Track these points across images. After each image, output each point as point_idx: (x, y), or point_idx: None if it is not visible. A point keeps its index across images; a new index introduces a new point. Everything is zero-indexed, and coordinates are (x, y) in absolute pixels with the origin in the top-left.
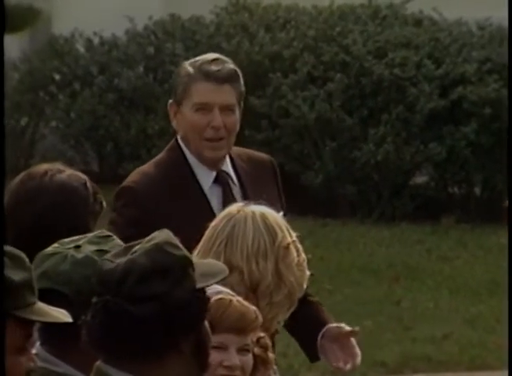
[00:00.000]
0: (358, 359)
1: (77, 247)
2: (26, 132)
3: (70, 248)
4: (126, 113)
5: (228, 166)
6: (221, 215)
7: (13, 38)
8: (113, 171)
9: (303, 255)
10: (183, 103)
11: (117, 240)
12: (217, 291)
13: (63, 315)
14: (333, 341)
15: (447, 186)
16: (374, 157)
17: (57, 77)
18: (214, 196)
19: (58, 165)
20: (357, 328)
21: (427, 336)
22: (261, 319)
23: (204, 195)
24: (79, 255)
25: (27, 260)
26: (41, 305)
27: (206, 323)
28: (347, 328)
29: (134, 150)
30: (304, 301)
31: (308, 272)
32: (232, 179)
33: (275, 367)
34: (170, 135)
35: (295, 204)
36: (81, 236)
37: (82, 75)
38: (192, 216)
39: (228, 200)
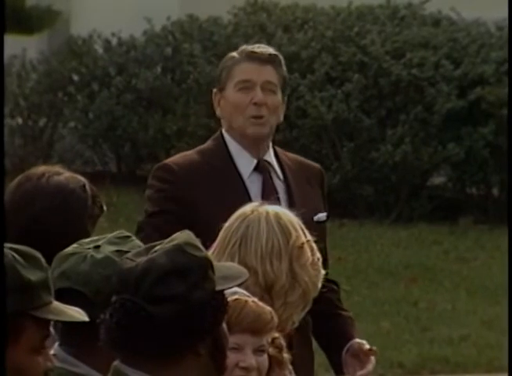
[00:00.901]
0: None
1: (97, 247)
2: (44, 133)
3: (89, 248)
4: (144, 114)
5: (271, 157)
6: (235, 215)
7: (32, 39)
8: (131, 172)
9: (317, 255)
10: (226, 85)
11: (137, 241)
12: (232, 292)
13: (79, 314)
14: (355, 356)
15: (465, 187)
16: (392, 157)
17: (75, 77)
18: (254, 184)
19: (57, 167)
20: (374, 348)
21: (445, 337)
22: (276, 320)
23: (243, 182)
24: (98, 256)
25: (43, 260)
26: (57, 304)
27: (224, 325)
28: (367, 346)
29: (152, 151)
30: (337, 314)
31: (322, 272)
32: (274, 170)
33: (290, 367)
34: (188, 135)
35: None
36: (100, 236)
37: (100, 76)
38: (229, 202)
39: (268, 188)
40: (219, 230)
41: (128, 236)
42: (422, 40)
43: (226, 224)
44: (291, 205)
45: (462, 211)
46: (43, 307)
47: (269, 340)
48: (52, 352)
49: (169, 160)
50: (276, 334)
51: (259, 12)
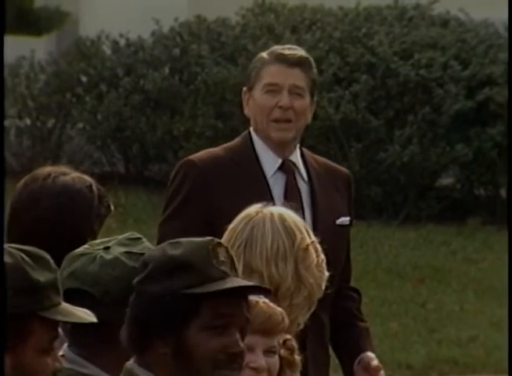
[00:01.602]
0: None
1: (107, 248)
2: (52, 134)
3: (99, 249)
4: (152, 115)
5: (297, 158)
6: (239, 217)
7: (40, 40)
8: (139, 173)
9: (322, 256)
10: (255, 86)
11: (147, 243)
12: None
13: (87, 315)
14: (366, 369)
15: (473, 188)
16: (400, 158)
17: (84, 78)
18: (277, 183)
19: (63, 168)
20: (379, 366)
21: (453, 338)
22: (287, 321)
23: (266, 181)
24: (108, 256)
25: (51, 261)
26: (65, 305)
27: (201, 332)
28: (375, 363)
29: (160, 152)
30: (353, 324)
31: (326, 273)
32: (299, 171)
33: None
34: (196, 136)
35: None
36: (111, 237)
37: (108, 77)
38: (251, 201)
39: (291, 188)
40: None
41: (139, 238)
42: (430, 41)
43: (231, 225)
44: (314, 207)
45: (470, 212)
46: (52, 308)
47: (281, 341)
48: (60, 353)
49: (194, 156)
50: (288, 336)
51: (267, 13)
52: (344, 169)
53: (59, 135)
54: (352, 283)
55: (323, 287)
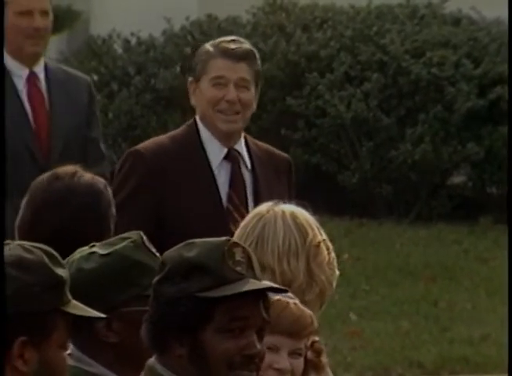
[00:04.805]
0: None
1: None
2: None
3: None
4: (163, 113)
5: (241, 146)
6: (250, 215)
7: (51, 39)
8: None
9: (333, 254)
10: (201, 79)
11: (127, 244)
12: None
13: (95, 311)
14: None
15: (485, 186)
16: (411, 156)
17: (95, 77)
18: (222, 172)
19: (76, 167)
20: None
21: (465, 337)
22: (316, 324)
23: (211, 170)
24: (76, 256)
25: (60, 258)
26: (75, 302)
27: (216, 335)
28: None
29: None
30: None
31: (337, 272)
32: (244, 160)
33: (328, 370)
34: None
35: (331, 203)
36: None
37: (119, 76)
38: (196, 190)
39: (236, 177)
40: (187, 217)
41: (126, 238)
42: (442, 39)
43: (242, 223)
44: (256, 196)
45: (482, 211)
46: (69, 303)
47: (308, 343)
48: (68, 351)
49: (140, 146)
50: (317, 338)
51: (278, 12)
52: (284, 154)
53: None
54: (364, 282)
55: (334, 285)
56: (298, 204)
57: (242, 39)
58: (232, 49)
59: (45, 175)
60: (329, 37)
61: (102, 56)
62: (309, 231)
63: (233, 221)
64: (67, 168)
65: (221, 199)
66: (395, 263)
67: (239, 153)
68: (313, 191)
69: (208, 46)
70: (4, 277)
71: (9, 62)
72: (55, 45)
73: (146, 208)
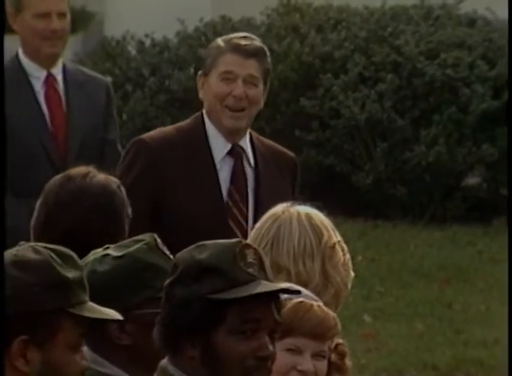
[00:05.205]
0: None
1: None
2: None
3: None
4: (177, 115)
5: (246, 143)
6: (265, 216)
7: None
8: None
9: (348, 255)
10: (210, 73)
11: (140, 246)
12: (302, 294)
13: (113, 313)
14: None
15: (499, 188)
16: (426, 158)
17: (109, 79)
18: (225, 168)
19: (89, 168)
20: None
21: (479, 339)
22: (339, 326)
23: (214, 165)
24: (90, 258)
25: (78, 259)
26: (91, 303)
27: (227, 337)
28: None
29: None
30: None
31: (352, 273)
32: (247, 156)
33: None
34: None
35: (346, 205)
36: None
37: (134, 77)
38: (198, 184)
39: (238, 173)
40: (185, 210)
41: (140, 240)
42: (457, 40)
43: (257, 225)
44: (258, 192)
45: (496, 212)
46: (79, 305)
47: (332, 346)
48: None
49: (145, 135)
50: (341, 340)
51: (292, 13)
52: (289, 153)
53: None
54: (378, 284)
55: (349, 287)
56: (313, 206)
57: (253, 36)
58: (243, 45)
59: (58, 177)
60: (344, 38)
61: (117, 58)
62: (324, 232)
63: (232, 216)
64: (80, 169)
65: (221, 194)
66: (410, 265)
67: (243, 149)
68: (327, 192)
69: (220, 41)
70: (4, 277)
71: (27, 63)
72: (70, 47)
73: (148, 196)
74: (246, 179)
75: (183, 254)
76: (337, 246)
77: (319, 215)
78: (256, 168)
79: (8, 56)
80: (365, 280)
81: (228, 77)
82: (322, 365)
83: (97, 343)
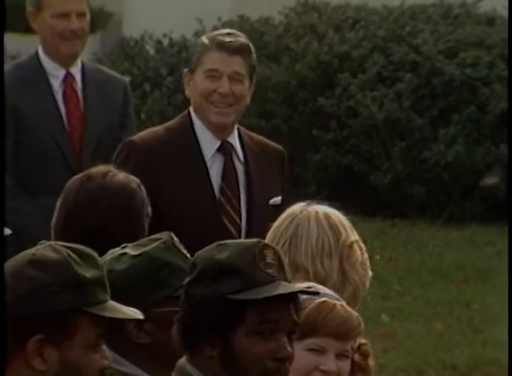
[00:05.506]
0: None
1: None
2: None
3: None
4: None
5: (235, 139)
6: (283, 216)
7: None
8: None
9: (366, 255)
10: (196, 70)
11: (157, 244)
12: (323, 294)
13: (134, 312)
14: None
15: None
16: (444, 157)
17: (128, 78)
18: (215, 164)
19: (109, 167)
20: None
21: (498, 339)
22: (362, 325)
23: (204, 162)
24: (108, 257)
25: (98, 258)
26: (112, 303)
27: (246, 338)
28: None
29: None
30: None
31: (370, 273)
32: (236, 152)
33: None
34: None
35: (364, 204)
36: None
37: (152, 77)
38: (189, 181)
39: (229, 170)
40: (178, 208)
41: (157, 239)
42: (476, 39)
43: (275, 224)
44: (249, 189)
45: None
46: (98, 304)
47: (355, 346)
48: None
49: (135, 137)
50: (364, 340)
51: (310, 12)
52: (278, 146)
53: None
54: (396, 283)
55: (367, 285)
56: (330, 205)
57: (238, 33)
58: (228, 42)
59: (78, 176)
60: (362, 38)
61: (135, 57)
62: (342, 231)
63: (225, 213)
64: (100, 168)
65: (213, 191)
66: (428, 264)
67: (232, 145)
68: (345, 192)
69: (204, 39)
70: (3, 277)
71: (46, 62)
72: (88, 47)
73: None
74: (237, 175)
75: (202, 253)
76: (355, 245)
77: (336, 214)
78: (246, 164)
79: (25, 55)
80: (383, 280)
81: (213, 74)
82: (346, 365)
83: (115, 342)
